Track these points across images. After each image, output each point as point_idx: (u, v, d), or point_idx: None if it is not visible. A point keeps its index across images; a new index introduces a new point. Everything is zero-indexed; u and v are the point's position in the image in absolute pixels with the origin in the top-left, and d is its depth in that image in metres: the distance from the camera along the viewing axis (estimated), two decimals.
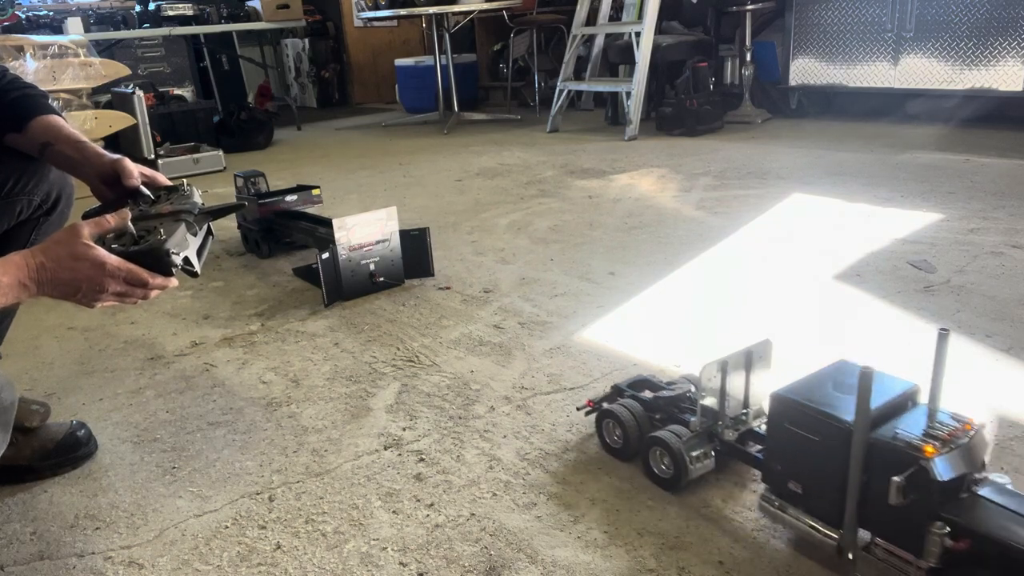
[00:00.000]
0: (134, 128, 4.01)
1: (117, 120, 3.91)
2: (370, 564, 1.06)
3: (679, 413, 1.25)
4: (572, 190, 3.20)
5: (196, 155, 4.23)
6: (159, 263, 1.00)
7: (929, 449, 0.86)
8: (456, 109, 5.44)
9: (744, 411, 1.18)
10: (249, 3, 5.45)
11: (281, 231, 2.54)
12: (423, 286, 2.17)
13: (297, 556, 1.09)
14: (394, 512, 1.17)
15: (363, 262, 2.10)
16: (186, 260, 1.04)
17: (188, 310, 2.12)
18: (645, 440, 1.21)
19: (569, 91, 4.82)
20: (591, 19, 4.90)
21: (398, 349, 1.76)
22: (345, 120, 6.32)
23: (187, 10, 5.02)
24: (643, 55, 4.32)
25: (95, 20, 4.61)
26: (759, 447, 1.14)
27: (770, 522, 1.08)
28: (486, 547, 1.08)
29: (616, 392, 1.35)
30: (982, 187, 2.77)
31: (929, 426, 0.91)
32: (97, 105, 3.99)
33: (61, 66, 3.67)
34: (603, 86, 4.82)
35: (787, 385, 1.02)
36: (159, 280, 1.01)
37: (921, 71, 3.99)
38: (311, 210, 2.56)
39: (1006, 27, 3.66)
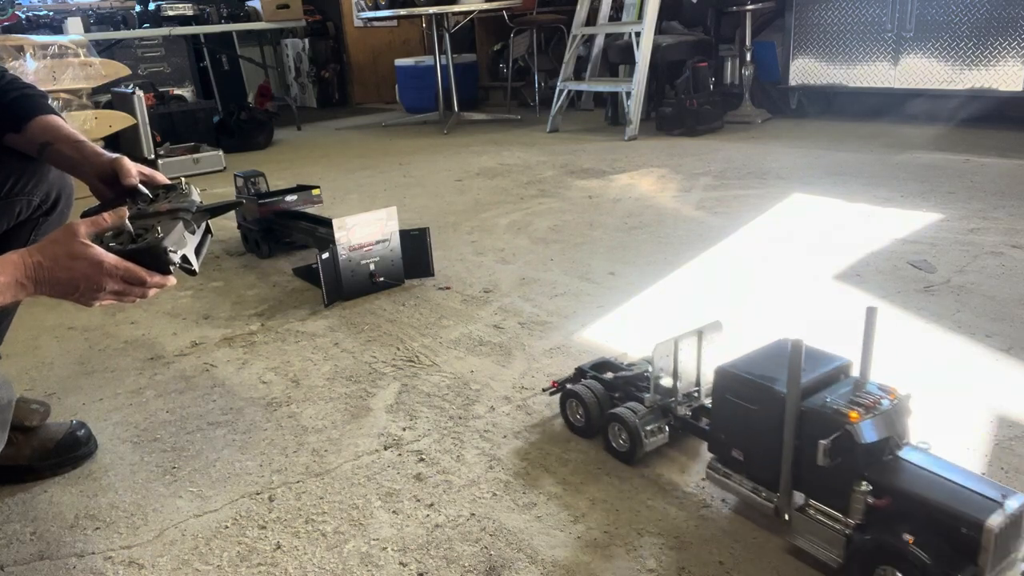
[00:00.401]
0: (134, 128, 4.01)
1: (117, 120, 3.91)
2: (370, 564, 1.06)
3: (636, 391, 1.31)
4: (572, 190, 3.20)
5: (196, 155, 4.23)
6: (157, 261, 1.00)
7: (854, 415, 0.92)
8: (456, 109, 5.44)
9: (696, 388, 1.25)
10: (249, 3, 5.45)
11: (281, 231, 2.54)
12: (423, 286, 2.17)
13: (297, 556, 1.09)
14: (394, 512, 1.17)
15: (363, 262, 2.10)
16: (184, 258, 1.04)
17: (188, 310, 2.12)
18: (604, 417, 1.28)
19: (569, 91, 4.82)
20: (591, 19, 4.90)
21: (398, 349, 1.76)
22: (345, 120, 6.32)
23: (187, 10, 5.02)
24: (643, 55, 4.32)
25: (95, 20, 4.61)
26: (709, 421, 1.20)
27: (718, 489, 1.14)
28: (486, 547, 1.08)
29: (579, 374, 1.42)
30: (982, 187, 2.77)
31: (856, 395, 0.98)
32: (97, 105, 3.99)
33: (61, 66, 3.67)
34: (603, 86, 4.82)
35: (731, 360, 1.09)
36: (157, 278, 1.01)
37: (921, 71, 3.99)
38: (311, 210, 2.56)
39: (1006, 27, 3.66)
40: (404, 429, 1.41)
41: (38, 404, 1.39)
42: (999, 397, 1.37)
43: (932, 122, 4.11)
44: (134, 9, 4.88)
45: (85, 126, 3.75)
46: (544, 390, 1.46)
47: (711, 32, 4.87)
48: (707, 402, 1.22)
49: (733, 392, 1.07)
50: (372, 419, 1.45)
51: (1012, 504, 0.86)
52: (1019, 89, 3.69)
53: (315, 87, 7.39)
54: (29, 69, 3.55)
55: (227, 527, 1.16)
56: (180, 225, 1.05)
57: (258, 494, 1.24)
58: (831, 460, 0.92)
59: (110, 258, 0.96)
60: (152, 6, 5.01)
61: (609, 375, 1.38)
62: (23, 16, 4.31)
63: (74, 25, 4.33)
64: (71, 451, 1.35)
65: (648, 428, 1.23)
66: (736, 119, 4.62)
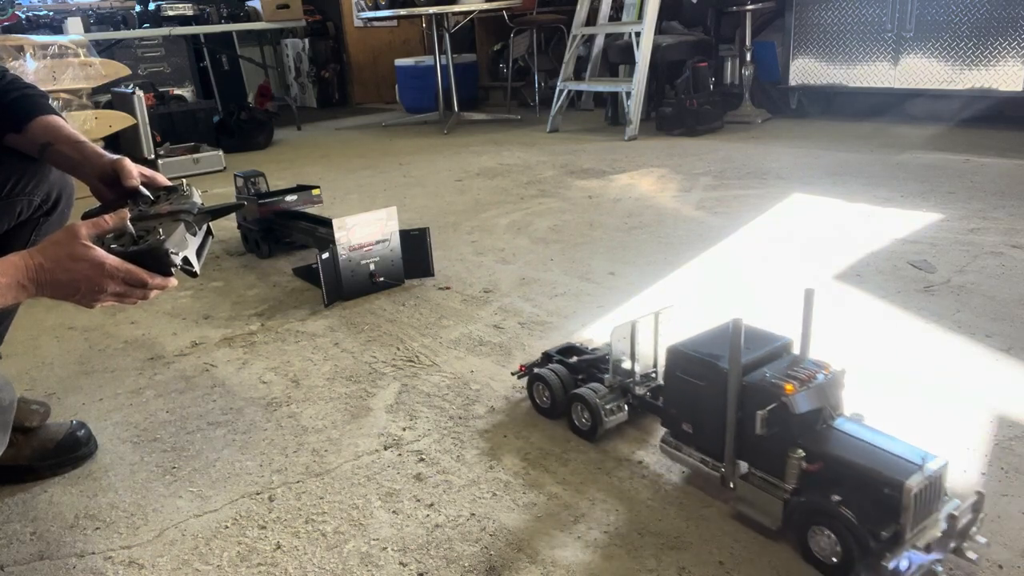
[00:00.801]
0: (134, 128, 4.01)
1: (117, 120, 3.91)
2: (370, 564, 1.06)
3: (598, 373, 1.39)
4: (572, 190, 3.20)
5: (196, 155, 4.23)
6: (158, 263, 1.00)
7: (789, 387, 1.00)
8: (456, 109, 5.44)
9: (654, 369, 1.33)
10: (249, 3, 5.44)
11: (281, 231, 2.54)
12: (423, 286, 2.17)
13: (297, 556, 1.09)
14: (394, 512, 1.17)
15: (363, 262, 2.10)
16: (185, 260, 1.04)
17: (188, 310, 2.12)
18: (568, 397, 1.35)
19: (569, 91, 4.82)
20: (591, 19, 4.90)
21: (398, 349, 1.76)
22: (345, 120, 6.32)
23: (187, 10, 5.02)
24: (643, 55, 4.32)
25: (95, 20, 4.61)
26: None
27: (670, 461, 1.23)
28: (486, 547, 1.08)
29: (546, 358, 1.49)
30: (982, 187, 2.77)
31: (793, 370, 1.05)
32: (97, 105, 3.99)
33: (61, 66, 3.67)
34: (603, 86, 4.82)
35: (682, 340, 1.17)
36: (158, 280, 1.01)
37: (921, 71, 3.99)
38: (311, 210, 2.56)
39: (1006, 27, 3.66)
40: (404, 429, 1.41)
41: (38, 404, 1.39)
42: (999, 397, 1.37)
43: (932, 122, 4.11)
44: (134, 9, 4.87)
45: (85, 126, 3.74)
46: (512, 373, 1.53)
47: (711, 32, 4.87)
48: (663, 382, 1.27)
49: (682, 369, 1.14)
50: (372, 419, 1.45)
51: (931, 467, 0.93)
52: (1019, 89, 3.69)
53: (315, 87, 7.39)
54: (29, 69, 3.55)
55: (227, 527, 1.16)
56: (182, 227, 1.05)
57: (258, 494, 1.24)
58: (768, 429, 1.01)
59: (111, 260, 0.96)
60: (152, 6, 5.01)
61: (574, 359, 1.45)
62: (23, 16, 4.31)
63: (74, 25, 4.33)
64: (71, 451, 1.35)
65: (608, 407, 1.30)
66: (736, 119, 4.62)
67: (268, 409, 1.52)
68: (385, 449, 1.35)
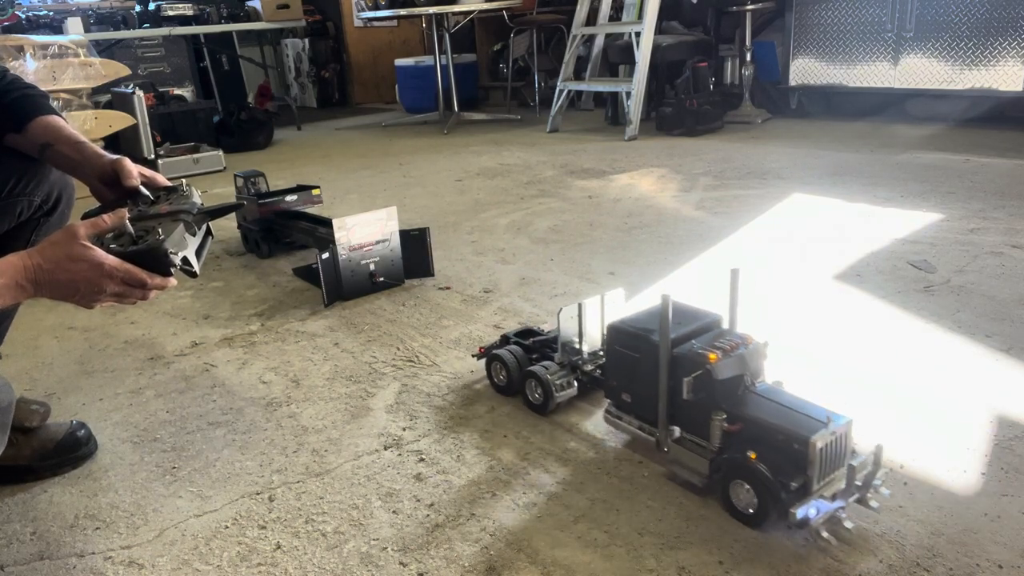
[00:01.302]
0: (134, 128, 4.01)
1: (117, 120, 3.91)
2: (370, 564, 1.06)
3: (551, 352, 1.48)
4: (572, 190, 3.20)
5: (196, 155, 4.23)
6: (157, 263, 1.00)
7: (713, 356, 1.10)
8: (456, 109, 5.44)
9: (602, 348, 1.42)
10: (249, 3, 5.45)
11: (281, 231, 2.54)
12: (423, 286, 2.17)
13: (297, 556, 1.09)
14: (394, 512, 1.17)
15: (363, 262, 2.10)
16: (184, 260, 1.04)
17: (188, 310, 2.12)
18: (522, 375, 1.44)
19: (569, 91, 4.82)
20: (591, 19, 4.90)
21: (398, 349, 1.76)
22: (345, 120, 6.32)
23: (187, 10, 5.02)
24: (643, 55, 4.32)
25: (95, 20, 4.61)
26: None
27: (613, 430, 1.32)
28: (486, 547, 1.08)
29: (504, 340, 1.58)
30: (982, 187, 2.77)
31: (718, 342, 1.14)
32: (97, 105, 3.99)
33: (61, 66, 3.67)
34: (603, 86, 4.82)
35: (621, 317, 1.28)
36: (158, 280, 1.00)
37: (921, 71, 3.99)
38: (311, 210, 2.56)
39: (1006, 27, 3.66)
40: (404, 429, 1.41)
41: (38, 404, 1.39)
42: (999, 397, 1.37)
43: (932, 122, 4.11)
44: (134, 9, 4.87)
45: (85, 126, 3.74)
46: (473, 355, 1.62)
47: (711, 32, 4.87)
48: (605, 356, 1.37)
49: (621, 343, 1.25)
50: (372, 419, 1.45)
51: (835, 425, 1.03)
52: (1019, 89, 3.69)
53: (315, 87, 7.38)
54: (29, 69, 3.55)
55: (227, 527, 1.16)
56: (181, 227, 1.05)
57: (258, 494, 1.24)
58: (695, 395, 1.11)
59: (110, 260, 0.96)
60: (152, 6, 5.01)
61: (530, 341, 1.54)
62: (23, 16, 4.31)
63: (74, 25, 4.33)
64: (71, 451, 1.35)
65: (558, 382, 1.39)
66: (736, 119, 4.62)
67: (268, 409, 1.52)
68: (385, 449, 1.35)
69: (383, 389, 1.57)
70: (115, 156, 1.18)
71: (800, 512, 1.00)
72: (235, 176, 2.68)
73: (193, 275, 1.07)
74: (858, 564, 0.99)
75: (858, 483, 1.04)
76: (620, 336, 1.25)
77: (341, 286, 2.07)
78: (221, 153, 4.31)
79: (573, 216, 2.78)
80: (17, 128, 1.20)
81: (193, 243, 1.09)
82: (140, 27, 4.82)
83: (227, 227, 2.77)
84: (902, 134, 3.94)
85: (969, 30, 3.77)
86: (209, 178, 4.08)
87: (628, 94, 4.38)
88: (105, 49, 4.70)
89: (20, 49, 3.59)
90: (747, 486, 1.06)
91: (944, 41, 3.87)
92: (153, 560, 1.10)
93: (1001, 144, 3.49)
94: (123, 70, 3.95)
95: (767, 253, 2.24)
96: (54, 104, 1.26)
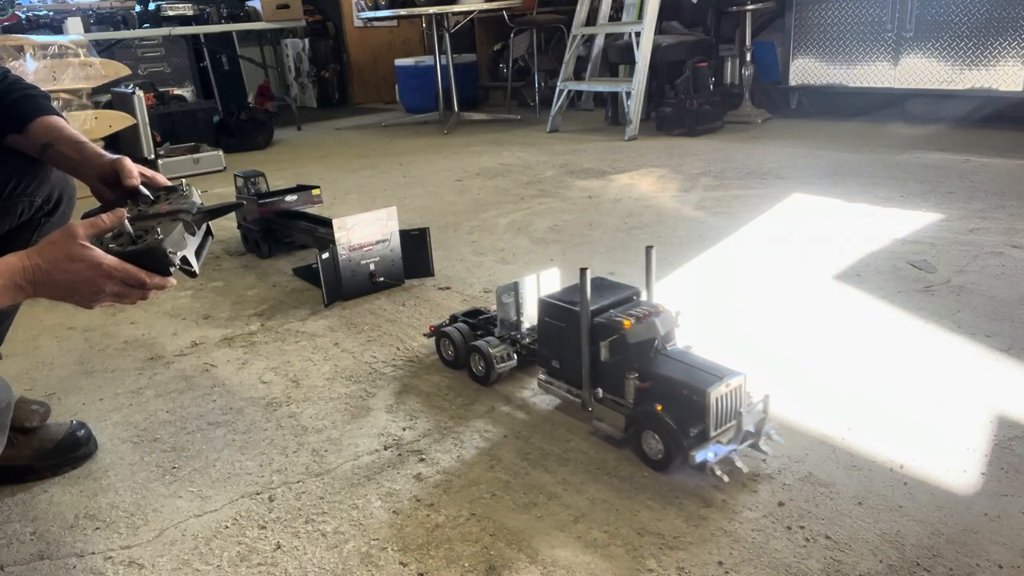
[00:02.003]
0: (134, 128, 4.01)
1: (117, 120, 3.91)
2: (370, 564, 1.06)
3: (494, 328, 1.62)
4: (572, 190, 3.20)
5: (196, 155, 4.23)
6: (156, 263, 0.99)
7: (627, 323, 1.25)
8: (456, 109, 5.44)
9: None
10: (249, 3, 5.45)
11: (281, 231, 2.54)
12: (423, 286, 2.17)
13: (297, 556, 1.09)
14: (394, 512, 1.17)
15: (363, 262, 2.10)
16: (184, 260, 1.03)
17: (188, 310, 2.12)
18: (467, 349, 1.57)
19: (569, 91, 4.82)
20: (591, 19, 4.90)
21: (398, 349, 1.76)
22: (345, 120, 6.32)
23: (187, 10, 5.01)
24: (643, 55, 4.32)
25: (95, 20, 4.60)
26: None
27: (544, 394, 1.47)
28: (486, 547, 1.08)
29: (452, 319, 1.71)
30: (982, 187, 2.77)
31: (633, 311, 1.30)
32: (97, 105, 3.99)
33: (61, 66, 3.67)
34: (603, 86, 4.82)
35: (549, 292, 1.43)
36: (157, 280, 1.00)
37: (921, 71, 3.99)
38: (311, 210, 2.56)
39: (1006, 27, 3.66)
40: (404, 429, 1.41)
41: (38, 405, 1.39)
42: (999, 397, 1.37)
43: (932, 122, 4.11)
44: (134, 9, 4.87)
45: (85, 126, 3.74)
46: (424, 334, 1.77)
47: (711, 32, 4.86)
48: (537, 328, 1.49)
49: (549, 315, 1.39)
50: (372, 419, 1.45)
51: (730, 379, 1.18)
52: (1019, 89, 3.69)
53: (315, 87, 7.38)
54: (29, 69, 3.55)
55: (227, 527, 1.16)
56: (180, 226, 1.05)
57: (258, 494, 1.24)
58: (612, 357, 1.26)
59: (109, 260, 0.96)
60: (152, 6, 5.01)
61: (477, 320, 1.67)
62: (23, 16, 4.31)
63: (74, 25, 4.33)
64: (71, 451, 1.35)
65: (498, 355, 1.52)
66: (736, 119, 4.62)
67: (268, 409, 1.52)
68: (385, 449, 1.35)
69: (383, 389, 1.57)
70: (115, 156, 1.18)
71: (699, 455, 1.15)
72: (235, 176, 2.68)
73: (192, 275, 1.06)
74: (858, 564, 0.99)
75: (751, 430, 1.19)
76: (548, 309, 1.39)
77: (341, 286, 2.07)
78: (221, 153, 4.32)
79: (573, 216, 2.78)
80: (18, 128, 1.19)
81: (193, 242, 1.08)
82: (140, 27, 4.82)
83: (227, 227, 2.77)
84: (902, 134, 3.94)
85: (969, 30, 3.77)
86: (209, 178, 4.08)
87: (628, 94, 4.38)
88: (105, 49, 4.70)
89: (20, 49, 3.59)
90: (655, 435, 1.20)
91: (944, 41, 3.87)
92: (153, 560, 1.10)
93: (1001, 144, 3.49)
94: (123, 70, 3.95)
95: (767, 253, 2.24)
96: (54, 104, 1.26)
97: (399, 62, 6.57)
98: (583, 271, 1.27)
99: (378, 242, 2.12)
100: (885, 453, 1.22)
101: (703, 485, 1.17)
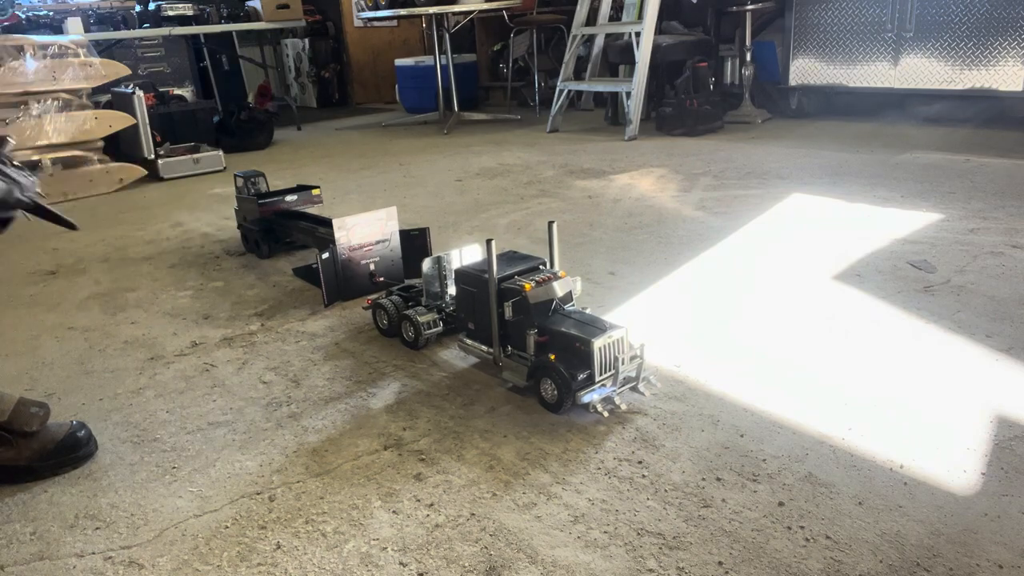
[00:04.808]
0: (134, 128, 4.01)
1: (117, 120, 3.91)
2: (370, 564, 1.06)
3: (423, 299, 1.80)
4: (572, 190, 3.20)
5: (196, 155, 4.23)
6: None
7: (528, 286, 1.44)
8: (456, 109, 5.44)
9: None
10: (249, 3, 5.45)
11: (281, 231, 2.54)
12: None
13: (297, 556, 1.09)
14: (394, 512, 1.17)
15: (363, 262, 2.10)
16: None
17: (188, 310, 2.12)
18: (399, 318, 1.75)
19: (569, 91, 4.82)
20: (591, 19, 4.90)
21: (398, 349, 1.76)
22: (345, 120, 6.32)
23: (187, 10, 5.01)
24: (643, 55, 4.32)
25: (95, 20, 4.61)
26: None
27: (463, 354, 1.66)
28: (486, 547, 1.08)
29: (388, 292, 1.88)
30: (982, 187, 2.77)
31: (535, 276, 1.49)
32: (97, 105, 3.99)
33: (61, 66, 3.66)
34: (603, 86, 4.82)
35: (465, 264, 1.64)
36: None
37: (921, 71, 3.99)
38: (311, 210, 2.56)
39: (1006, 27, 3.66)
40: (404, 429, 1.41)
41: (38, 407, 1.38)
42: (999, 397, 1.37)
43: (932, 122, 4.11)
44: (134, 9, 4.87)
45: (85, 126, 3.75)
46: (363, 308, 1.96)
47: (711, 32, 4.86)
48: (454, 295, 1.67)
49: (464, 282, 1.58)
50: (372, 419, 1.45)
51: (613, 332, 1.39)
52: (1019, 89, 3.69)
53: (315, 87, 7.39)
54: (29, 69, 3.55)
55: (227, 527, 1.16)
56: None
57: (258, 494, 1.24)
58: (515, 316, 1.46)
59: None
60: (152, 6, 5.01)
61: (410, 292, 1.85)
62: (23, 16, 4.31)
63: (74, 25, 4.33)
64: (71, 452, 1.35)
65: (426, 322, 1.70)
66: (736, 119, 4.62)
67: (268, 409, 1.52)
68: (385, 449, 1.35)
69: (383, 389, 1.57)
70: None
71: (585, 397, 1.36)
72: (235, 176, 2.68)
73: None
74: (858, 564, 0.99)
75: (631, 375, 1.41)
76: (463, 277, 1.58)
77: (341, 286, 2.07)
78: (221, 153, 4.32)
79: (573, 216, 2.78)
80: None
81: None
82: (140, 27, 4.82)
83: (227, 227, 2.77)
84: (902, 134, 3.94)
85: (969, 30, 3.77)
86: (209, 178, 4.08)
87: (628, 94, 4.38)
88: (105, 49, 4.69)
89: (20, 49, 3.58)
90: (550, 382, 1.39)
91: (944, 41, 3.87)
92: (153, 560, 1.10)
93: (1001, 144, 3.49)
94: (123, 70, 3.95)
95: (767, 253, 2.24)
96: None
97: (399, 62, 6.57)
98: (489, 242, 1.45)
99: (378, 242, 2.12)
100: (885, 453, 1.22)
101: (596, 423, 1.34)
